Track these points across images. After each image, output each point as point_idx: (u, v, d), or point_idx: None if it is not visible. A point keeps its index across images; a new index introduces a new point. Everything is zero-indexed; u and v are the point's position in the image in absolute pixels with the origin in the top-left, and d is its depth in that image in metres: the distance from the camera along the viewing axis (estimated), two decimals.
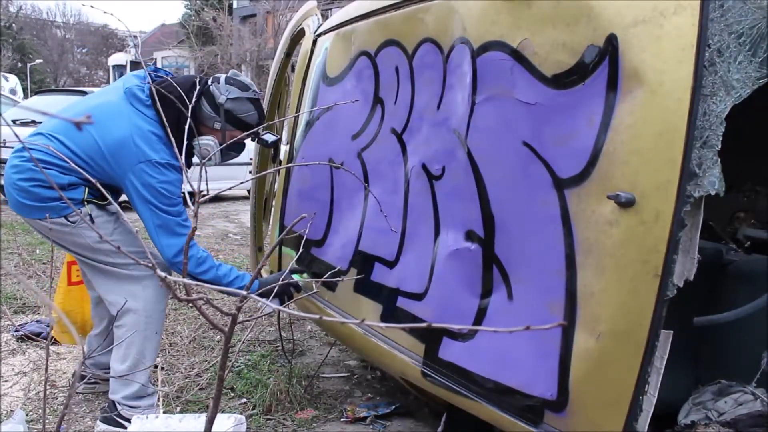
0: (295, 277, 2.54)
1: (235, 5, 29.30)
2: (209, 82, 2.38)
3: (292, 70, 3.19)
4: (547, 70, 1.60)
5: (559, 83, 1.57)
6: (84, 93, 8.26)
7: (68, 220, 2.22)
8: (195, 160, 2.51)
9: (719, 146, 1.31)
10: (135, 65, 38.69)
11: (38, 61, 35.52)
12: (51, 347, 3.07)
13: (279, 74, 3.23)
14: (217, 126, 2.35)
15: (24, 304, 3.82)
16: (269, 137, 2.55)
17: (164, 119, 1.88)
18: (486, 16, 1.81)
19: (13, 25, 35.90)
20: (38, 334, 3.13)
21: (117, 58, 39.89)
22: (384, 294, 2.19)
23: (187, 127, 1.75)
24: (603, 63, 1.46)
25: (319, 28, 2.95)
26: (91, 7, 2.09)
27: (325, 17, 3.13)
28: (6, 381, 2.76)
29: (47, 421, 2.25)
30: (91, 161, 2.23)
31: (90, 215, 2.26)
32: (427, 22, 2.07)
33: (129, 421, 2.15)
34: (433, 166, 2.02)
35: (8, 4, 35.36)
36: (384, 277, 2.21)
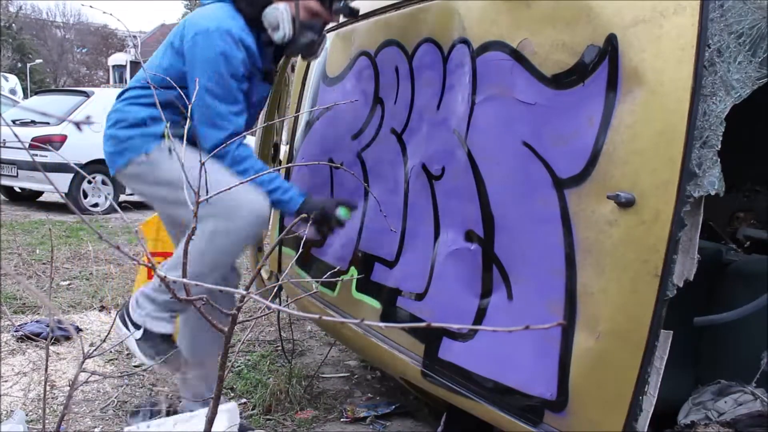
0: (341, 212, 2.19)
1: None
2: None
3: (292, 70, 3.19)
4: (547, 70, 1.60)
5: (559, 83, 1.57)
6: (84, 93, 8.27)
7: (147, 156, 2.05)
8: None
9: (719, 146, 1.31)
10: (135, 65, 38.70)
11: (38, 61, 35.53)
12: (51, 347, 3.07)
13: (279, 74, 3.23)
14: None
15: (24, 304, 3.82)
16: (348, 5, 2.19)
17: None
18: (486, 16, 1.81)
19: (13, 25, 35.89)
20: (38, 334, 3.13)
21: (117, 58, 39.92)
22: (384, 294, 2.19)
23: None
24: (603, 63, 1.46)
25: None
26: (91, 7, 2.09)
27: None
28: (6, 381, 2.76)
29: (47, 421, 2.25)
30: (163, 71, 2.05)
31: (169, 149, 2.06)
32: (427, 22, 2.08)
33: (137, 327, 2.05)
34: (433, 166, 2.02)
35: (8, 4, 35.35)
36: (384, 277, 2.21)
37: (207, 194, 1.84)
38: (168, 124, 1.99)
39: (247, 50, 2.01)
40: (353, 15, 2.23)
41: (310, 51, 2.15)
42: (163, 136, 2.05)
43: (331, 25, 2.79)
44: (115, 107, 2.12)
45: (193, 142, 2.05)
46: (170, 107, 2.00)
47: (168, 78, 1.93)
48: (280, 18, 2.02)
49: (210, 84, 1.96)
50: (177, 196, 2.00)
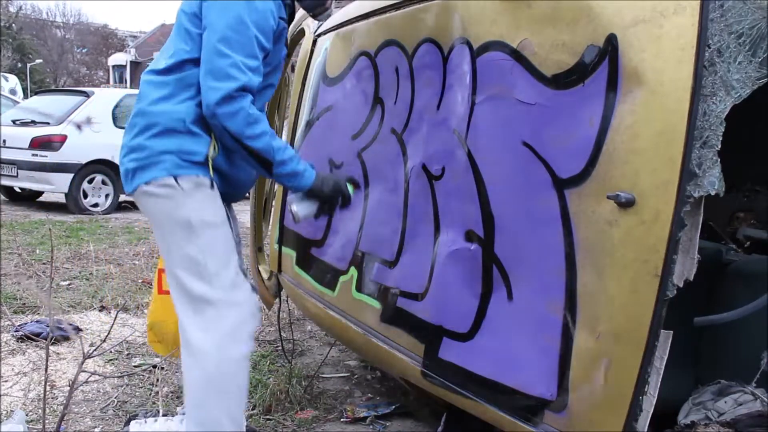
0: (349, 187, 2.04)
1: None
2: None
3: (292, 70, 3.19)
4: (547, 70, 1.60)
5: (559, 83, 1.57)
6: (84, 93, 8.27)
7: (178, 183, 1.71)
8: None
9: (719, 146, 1.31)
10: (135, 65, 38.72)
11: (38, 61, 35.55)
12: (51, 347, 3.07)
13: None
14: None
15: (24, 304, 3.82)
16: None
17: None
18: (486, 16, 1.81)
19: (13, 25, 35.90)
20: (38, 334, 3.13)
21: (117, 58, 39.98)
22: (384, 294, 2.20)
23: None
24: (603, 63, 1.46)
25: (319, 28, 2.95)
26: None
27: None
28: (6, 381, 2.76)
29: (47, 421, 2.25)
30: (189, 44, 1.76)
31: (211, 181, 1.75)
32: (427, 22, 2.08)
33: None
34: (433, 166, 2.02)
35: (8, 4, 35.35)
36: (384, 277, 2.21)
37: (210, 275, 1.71)
38: (216, 145, 1.75)
39: (280, 16, 1.78)
40: None
41: (323, 7, 1.95)
42: (203, 164, 1.74)
43: (331, 25, 2.80)
44: (140, 109, 1.77)
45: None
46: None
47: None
48: None
49: (228, 32, 1.68)
50: (186, 246, 1.73)
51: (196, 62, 1.73)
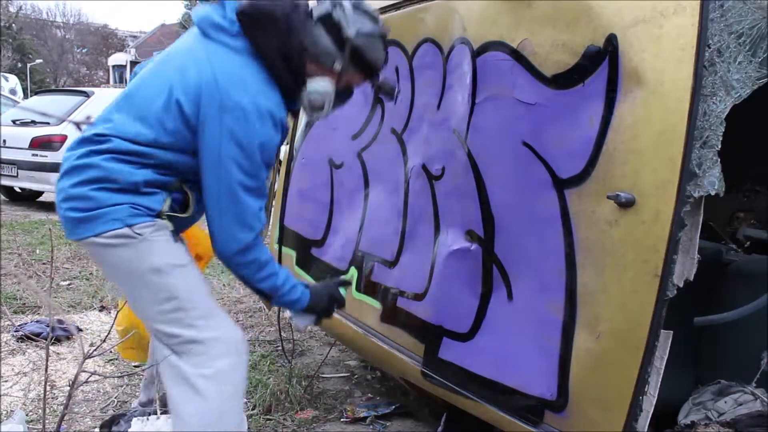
0: (342, 291, 2.03)
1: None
2: (331, 7, 1.68)
3: None
4: (547, 70, 1.60)
5: (559, 83, 1.57)
6: (84, 93, 8.27)
7: (134, 231, 1.59)
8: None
9: (719, 146, 1.31)
10: (135, 65, 38.72)
11: (38, 61, 35.55)
12: (51, 347, 3.07)
13: None
14: (338, 66, 1.67)
15: (24, 304, 3.82)
16: (392, 84, 1.90)
17: (263, 50, 1.54)
18: (486, 16, 1.81)
19: (13, 25, 35.91)
20: (38, 334, 3.13)
21: (117, 58, 39.98)
22: (384, 294, 2.20)
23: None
24: (603, 63, 1.46)
25: None
26: None
27: None
28: (6, 381, 2.76)
29: (47, 421, 2.25)
30: (169, 134, 1.60)
31: (170, 232, 1.66)
32: (427, 22, 2.08)
33: None
34: (433, 166, 2.02)
35: (8, 4, 35.37)
36: (384, 277, 2.21)
37: (193, 316, 1.59)
38: (169, 200, 1.65)
39: (283, 130, 1.67)
40: (389, 94, 1.90)
41: (323, 111, 1.78)
42: (159, 215, 1.63)
43: None
44: (92, 161, 1.60)
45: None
46: (166, 172, 1.65)
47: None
48: (327, 100, 1.70)
49: (243, 178, 1.59)
50: (163, 291, 1.62)
51: (166, 147, 1.62)
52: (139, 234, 1.59)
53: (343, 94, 1.78)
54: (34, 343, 3.12)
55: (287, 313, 1.99)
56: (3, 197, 8.68)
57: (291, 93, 1.68)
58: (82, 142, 1.65)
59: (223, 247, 1.66)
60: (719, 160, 1.31)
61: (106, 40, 43.01)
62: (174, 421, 1.63)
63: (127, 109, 1.65)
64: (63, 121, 7.33)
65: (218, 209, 1.63)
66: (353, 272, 2.38)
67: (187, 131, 1.60)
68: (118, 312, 2.22)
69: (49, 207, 8.30)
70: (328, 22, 1.67)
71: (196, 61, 1.61)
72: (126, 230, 1.58)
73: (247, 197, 1.62)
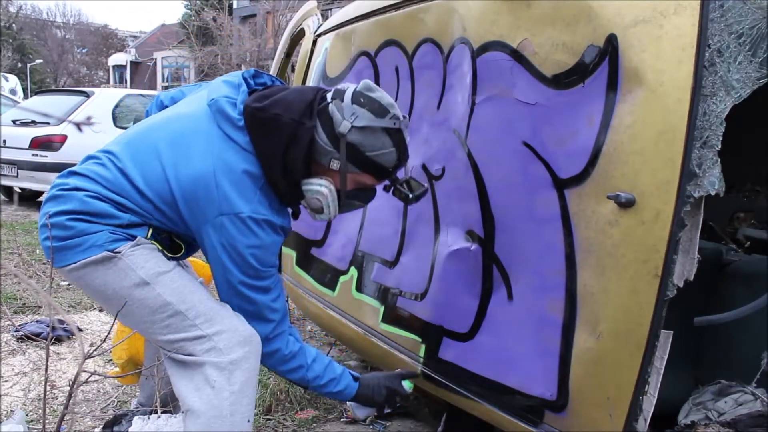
0: (406, 385, 1.86)
1: (235, 5, 29.32)
2: (329, 97, 1.58)
3: (292, 70, 3.19)
4: (547, 70, 1.60)
5: (559, 83, 1.57)
6: (84, 93, 8.27)
7: (113, 252, 1.54)
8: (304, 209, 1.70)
9: (719, 146, 1.31)
10: (135, 65, 38.73)
11: (38, 61, 35.56)
12: (51, 347, 3.07)
13: (279, 74, 3.23)
14: (335, 165, 1.56)
15: (24, 304, 3.82)
16: (414, 188, 1.69)
17: (263, 151, 1.46)
18: (486, 16, 1.81)
19: (13, 25, 35.93)
20: (38, 334, 3.13)
21: (117, 58, 39.98)
22: (384, 294, 2.20)
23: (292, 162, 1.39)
24: (603, 63, 1.46)
25: (319, 28, 2.95)
26: None
27: (325, 17, 3.13)
28: (6, 381, 2.75)
29: (47, 421, 2.25)
30: (159, 202, 1.56)
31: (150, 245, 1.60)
32: (427, 22, 2.08)
33: None
34: (433, 166, 2.02)
35: (8, 4, 35.39)
36: (384, 277, 2.21)
37: (191, 316, 1.53)
38: (151, 230, 1.60)
39: (285, 232, 1.63)
40: (411, 201, 1.73)
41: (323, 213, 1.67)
42: (132, 238, 1.56)
43: (331, 25, 2.80)
44: (82, 198, 1.55)
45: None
46: (155, 224, 1.60)
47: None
48: (324, 203, 1.59)
49: (247, 279, 1.56)
50: (155, 300, 1.56)
51: (155, 206, 1.57)
52: (118, 252, 1.54)
53: (358, 196, 1.65)
54: (34, 343, 3.12)
55: (348, 403, 1.91)
56: (3, 197, 8.68)
57: (289, 199, 1.61)
58: (73, 174, 1.61)
59: None
60: (719, 160, 1.31)
61: (106, 40, 43.01)
62: (185, 416, 1.58)
63: (130, 155, 1.60)
64: (63, 121, 7.33)
65: (232, 305, 1.61)
66: (353, 272, 2.38)
67: (171, 208, 1.56)
68: (114, 345, 2.18)
69: None
70: (325, 115, 1.56)
71: (199, 143, 1.54)
72: (105, 254, 1.53)
73: (256, 294, 1.59)
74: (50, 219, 1.55)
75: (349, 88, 1.58)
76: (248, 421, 1.60)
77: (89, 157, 1.66)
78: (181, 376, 1.59)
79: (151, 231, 1.61)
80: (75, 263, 1.56)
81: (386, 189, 1.71)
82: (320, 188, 1.58)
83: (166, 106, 1.87)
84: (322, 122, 1.56)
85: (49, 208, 1.58)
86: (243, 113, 1.56)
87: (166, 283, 1.58)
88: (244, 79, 1.66)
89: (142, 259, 1.57)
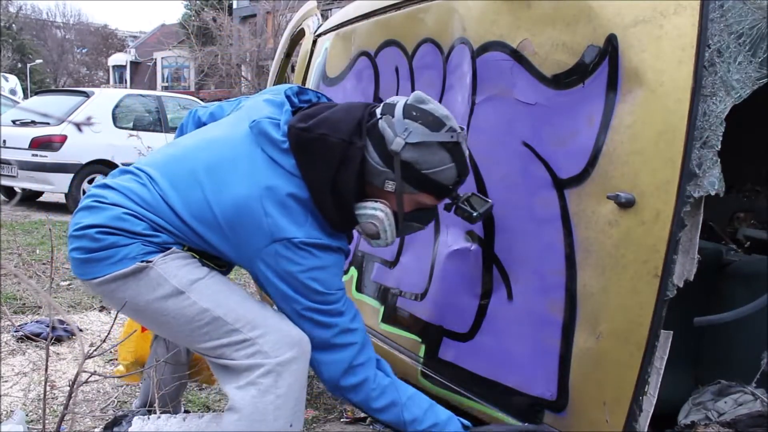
0: None
1: (235, 5, 29.34)
2: (378, 113, 1.49)
3: (292, 70, 3.19)
4: (547, 70, 1.60)
5: (559, 83, 1.57)
6: (84, 93, 8.27)
7: (145, 263, 1.46)
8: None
9: (719, 146, 1.31)
10: (135, 65, 38.72)
11: (38, 61, 35.56)
12: (51, 347, 3.07)
13: (279, 74, 3.23)
14: (390, 186, 1.46)
15: (24, 304, 3.82)
16: (477, 206, 1.59)
17: (311, 175, 1.38)
18: (486, 16, 1.81)
19: (13, 25, 35.94)
20: (38, 335, 3.13)
21: (117, 59, 40.00)
22: (384, 294, 2.20)
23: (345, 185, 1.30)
24: (603, 63, 1.46)
25: (319, 28, 2.95)
26: None
27: (325, 17, 3.13)
28: (6, 381, 2.75)
29: (47, 421, 2.25)
30: (202, 229, 1.47)
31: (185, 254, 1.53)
32: (427, 22, 2.08)
33: None
34: None
35: (8, 4, 35.39)
36: (384, 277, 2.21)
37: (230, 320, 1.43)
38: (186, 247, 1.52)
39: (344, 252, 1.53)
40: (476, 220, 1.61)
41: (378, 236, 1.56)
42: (165, 249, 1.49)
43: (331, 25, 2.80)
44: (117, 215, 1.48)
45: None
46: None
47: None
48: (381, 228, 1.49)
49: (312, 304, 1.46)
50: (190, 308, 1.48)
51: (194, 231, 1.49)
52: (149, 262, 1.46)
53: (417, 217, 1.55)
54: (34, 343, 3.12)
55: None
56: (3, 197, 8.68)
57: (341, 225, 1.49)
58: (110, 188, 1.53)
59: (329, 375, 1.52)
60: (719, 160, 1.31)
61: (106, 40, 43.02)
62: (226, 412, 1.50)
63: (169, 176, 1.51)
64: (63, 121, 7.33)
65: (308, 334, 1.48)
66: (353, 272, 2.38)
67: (217, 238, 1.47)
68: (119, 342, 2.17)
69: (49, 207, 8.31)
70: (375, 132, 1.45)
71: (242, 167, 1.45)
72: (137, 265, 1.45)
73: (329, 318, 1.47)
74: (80, 231, 1.48)
75: (399, 101, 1.48)
76: (291, 425, 1.49)
77: (125, 171, 1.57)
78: (227, 378, 1.51)
79: (187, 247, 1.53)
80: (104, 276, 1.48)
81: (447, 208, 1.61)
82: (375, 212, 1.47)
83: (204, 123, 1.79)
84: (372, 141, 1.45)
85: (82, 218, 1.50)
86: (288, 134, 1.46)
87: (201, 290, 1.49)
88: (287, 97, 1.57)
89: (175, 267, 1.48)
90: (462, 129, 1.48)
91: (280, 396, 1.46)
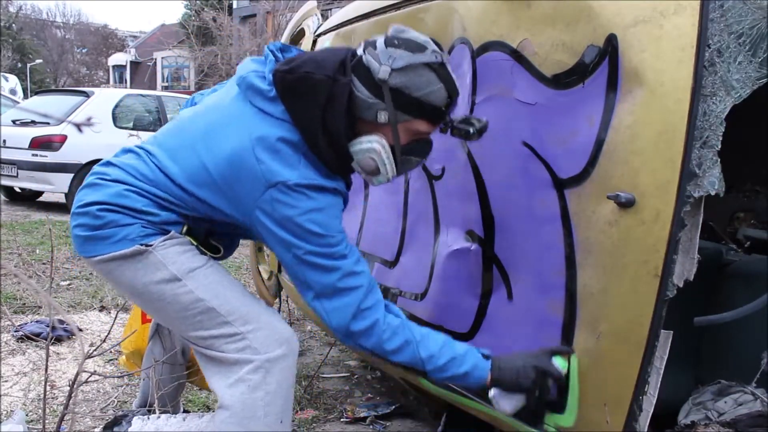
0: (558, 363, 1.50)
1: (235, 5, 29.32)
2: (361, 51, 1.49)
3: None
4: (547, 70, 1.60)
5: (559, 83, 1.57)
6: (84, 93, 8.27)
7: (145, 245, 1.50)
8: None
9: (719, 146, 1.31)
10: (135, 65, 38.74)
11: (38, 61, 35.58)
12: (51, 347, 3.07)
13: None
14: (383, 117, 1.45)
15: (24, 304, 3.82)
16: (474, 123, 1.57)
17: (300, 117, 1.37)
18: (486, 16, 1.81)
19: (13, 25, 35.94)
20: (38, 334, 3.13)
21: (117, 58, 40.01)
22: (384, 294, 2.19)
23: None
24: (603, 63, 1.46)
25: (319, 28, 2.95)
26: None
27: (325, 17, 3.13)
28: (6, 381, 2.75)
29: (47, 421, 2.25)
30: (200, 192, 1.50)
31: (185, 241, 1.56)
32: (427, 22, 2.07)
33: None
34: (433, 166, 2.02)
35: (8, 4, 35.39)
36: (384, 277, 2.21)
37: (224, 312, 1.47)
38: (185, 228, 1.56)
39: (341, 195, 1.53)
40: (474, 137, 1.59)
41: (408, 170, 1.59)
42: (165, 232, 1.53)
43: (331, 25, 2.80)
44: (119, 191, 1.51)
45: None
46: (194, 224, 1.56)
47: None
48: (379, 161, 1.48)
49: (312, 247, 1.45)
50: (186, 296, 1.51)
51: (196, 197, 1.51)
52: (149, 245, 1.49)
53: (415, 149, 1.53)
54: (34, 343, 3.12)
55: (491, 393, 1.53)
56: (3, 197, 8.68)
57: (337, 165, 1.49)
58: (112, 165, 1.57)
59: (338, 322, 1.49)
60: (719, 160, 1.31)
61: (106, 40, 43.03)
62: (217, 411, 1.53)
63: (168, 149, 1.56)
64: (63, 121, 7.34)
65: (311, 282, 1.48)
66: None
67: (218, 199, 1.49)
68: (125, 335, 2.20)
69: (49, 207, 8.31)
70: (360, 68, 1.45)
71: (231, 123, 1.48)
72: (136, 248, 1.49)
73: (332, 261, 1.46)
74: (83, 208, 1.52)
75: (380, 37, 1.48)
76: (281, 422, 1.52)
77: (127, 150, 1.62)
78: (214, 371, 1.54)
79: (186, 228, 1.56)
80: (104, 255, 1.51)
81: (443, 131, 1.56)
82: (371, 144, 1.46)
83: None
84: (358, 76, 1.45)
85: (85, 196, 1.54)
86: (273, 81, 1.46)
87: (198, 279, 1.52)
88: (271, 51, 1.57)
89: (175, 253, 1.52)
90: (444, 51, 1.49)
91: (270, 393, 1.49)
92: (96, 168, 1.59)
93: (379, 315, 1.49)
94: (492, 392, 1.54)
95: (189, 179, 1.50)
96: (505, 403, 1.52)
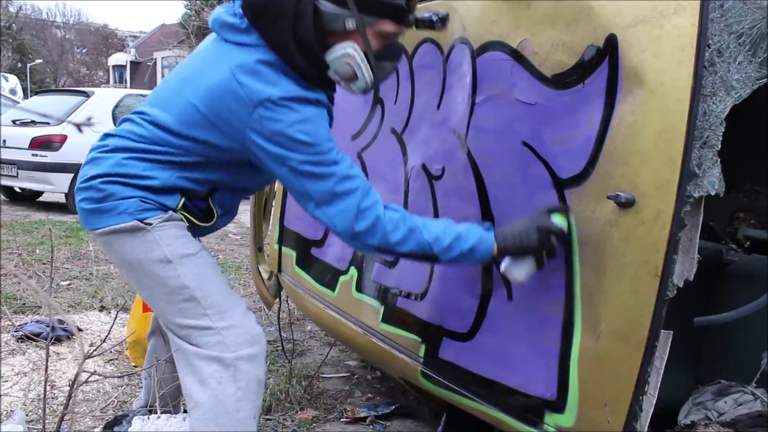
0: (557, 220, 1.52)
1: None
2: None
3: None
4: (547, 70, 1.60)
5: (559, 83, 1.57)
6: (84, 93, 8.27)
7: (144, 222, 1.57)
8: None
9: (719, 146, 1.31)
10: (135, 65, 38.73)
11: (38, 61, 35.56)
12: (51, 347, 3.07)
13: None
14: (350, 25, 1.49)
15: (24, 304, 3.82)
16: (435, 13, 1.66)
17: (273, 40, 1.44)
18: (486, 16, 1.81)
19: (13, 25, 35.92)
20: (38, 334, 3.13)
21: (117, 58, 40.01)
22: (384, 294, 2.19)
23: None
24: (603, 63, 1.46)
25: None
26: None
27: None
28: (6, 381, 2.76)
29: (47, 421, 2.25)
30: (194, 132, 1.56)
31: (182, 224, 1.64)
32: None
33: None
34: (433, 166, 2.02)
35: (8, 4, 35.39)
36: (384, 277, 2.21)
37: (204, 305, 1.55)
38: (183, 200, 1.63)
39: (324, 106, 1.58)
40: (438, 26, 1.67)
41: (384, 79, 1.65)
42: (169, 209, 1.61)
43: None
44: (119, 160, 1.59)
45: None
46: (192, 177, 1.62)
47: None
48: (354, 66, 1.52)
49: (305, 156, 1.51)
50: (173, 280, 1.58)
51: (192, 139, 1.58)
52: (148, 224, 1.57)
53: (387, 54, 1.58)
54: (34, 343, 3.12)
55: (502, 267, 1.58)
56: (3, 197, 8.68)
57: (317, 79, 1.55)
58: (110, 136, 1.65)
59: (343, 226, 1.53)
60: (719, 160, 1.31)
61: (106, 40, 43.03)
62: (191, 410, 1.59)
63: (159, 103, 1.63)
64: (63, 121, 7.33)
65: (308, 192, 1.53)
66: (353, 272, 2.38)
67: (211, 134, 1.55)
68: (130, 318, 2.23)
69: (49, 207, 8.31)
70: None
71: (212, 61, 1.56)
72: (135, 223, 1.57)
73: (326, 168, 1.51)
74: (86, 182, 1.60)
75: None
76: (254, 417, 1.60)
77: (125, 119, 1.69)
78: (187, 370, 1.60)
79: (183, 200, 1.63)
80: (104, 228, 1.59)
81: (408, 27, 1.60)
82: (345, 50, 1.51)
83: None
84: None
85: (87, 170, 1.62)
86: (243, 13, 1.53)
87: (188, 266, 1.60)
88: None
89: (171, 236, 1.60)
90: None
91: (241, 388, 1.56)
92: (96, 142, 1.67)
93: (379, 211, 1.55)
94: (503, 265, 1.59)
95: (182, 123, 1.56)
96: (516, 272, 1.56)
